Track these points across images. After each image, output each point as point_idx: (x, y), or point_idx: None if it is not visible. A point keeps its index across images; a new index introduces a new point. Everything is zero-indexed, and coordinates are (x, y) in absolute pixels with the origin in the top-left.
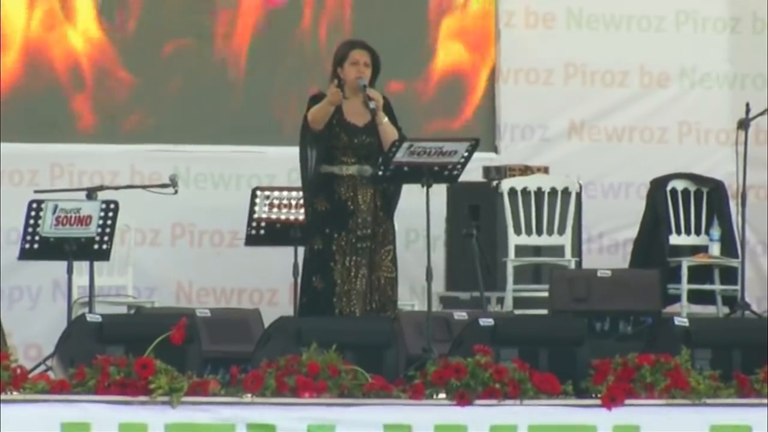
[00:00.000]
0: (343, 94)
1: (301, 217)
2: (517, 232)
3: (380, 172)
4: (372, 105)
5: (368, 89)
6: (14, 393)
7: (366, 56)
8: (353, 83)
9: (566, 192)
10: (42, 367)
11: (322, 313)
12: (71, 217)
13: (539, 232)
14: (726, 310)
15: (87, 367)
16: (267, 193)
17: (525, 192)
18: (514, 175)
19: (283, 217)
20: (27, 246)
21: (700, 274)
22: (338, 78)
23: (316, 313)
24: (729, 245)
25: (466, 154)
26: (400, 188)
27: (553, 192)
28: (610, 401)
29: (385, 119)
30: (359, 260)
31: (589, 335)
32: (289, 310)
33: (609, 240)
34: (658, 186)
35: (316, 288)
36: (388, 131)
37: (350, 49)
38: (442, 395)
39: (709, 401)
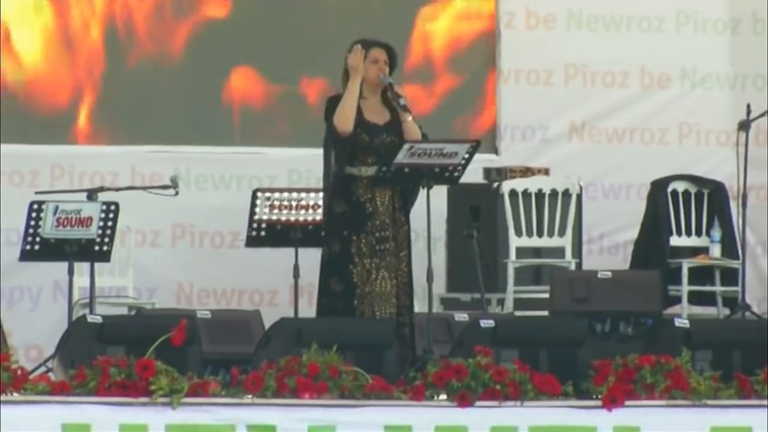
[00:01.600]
0: (362, 93)
1: (302, 219)
2: (518, 233)
3: (381, 173)
4: (403, 102)
5: (396, 86)
6: (15, 394)
7: (384, 54)
8: (374, 81)
9: (567, 193)
10: (42, 369)
11: (341, 316)
12: (72, 218)
13: (540, 234)
14: (726, 311)
15: (87, 368)
16: (267, 194)
17: (525, 193)
18: (514, 177)
19: (283, 218)
20: (28, 247)
21: (700, 275)
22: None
23: (335, 315)
24: (729, 246)
25: (466, 155)
26: (418, 188)
27: (554, 193)
28: (611, 402)
29: (410, 117)
30: (378, 262)
31: (590, 336)
32: (289, 311)
33: (609, 241)
34: (658, 187)
35: (335, 290)
36: (412, 129)
37: (369, 47)
38: (443, 396)
39: (709, 402)
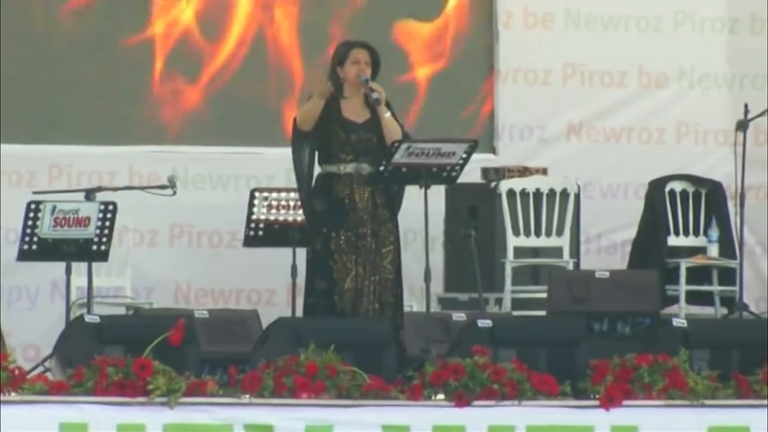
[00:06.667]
0: (343, 93)
1: (300, 218)
2: (516, 233)
3: (379, 173)
4: (375, 95)
5: (371, 82)
6: (12, 394)
7: (366, 55)
8: (354, 82)
9: (564, 193)
10: (40, 368)
11: (325, 314)
12: (70, 218)
13: (538, 233)
14: (724, 310)
15: (85, 367)
16: (265, 194)
17: (523, 193)
18: (512, 176)
19: (281, 218)
20: (25, 247)
21: (698, 275)
22: (337, 78)
23: (320, 314)
24: (727, 246)
25: (464, 155)
26: (403, 187)
27: (552, 193)
28: (609, 402)
29: (388, 114)
30: (357, 258)
31: (588, 336)
32: (287, 311)
33: (607, 241)
34: (656, 187)
35: (318, 288)
36: (390, 126)
37: (350, 48)
38: (441, 396)
39: (707, 402)
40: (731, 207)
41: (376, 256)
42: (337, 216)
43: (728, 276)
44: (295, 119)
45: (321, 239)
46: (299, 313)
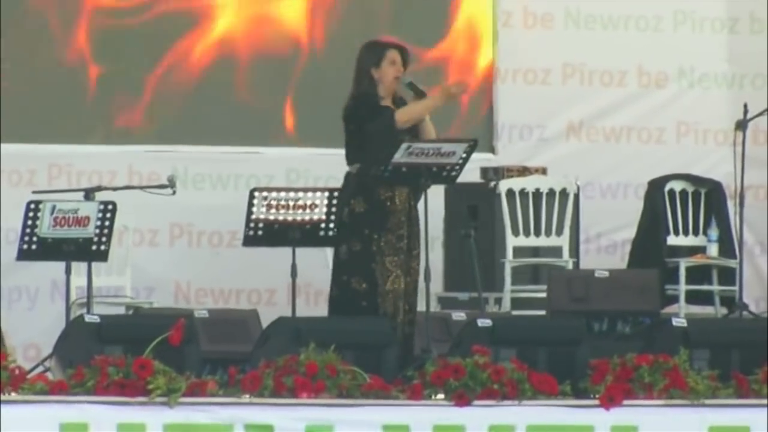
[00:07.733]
0: (380, 94)
1: (299, 218)
2: (515, 233)
3: (379, 173)
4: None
5: (417, 84)
6: (13, 394)
7: (399, 55)
8: (393, 83)
9: (564, 193)
10: (40, 368)
11: (365, 314)
12: (69, 217)
13: (537, 233)
14: (724, 310)
15: (85, 367)
16: (265, 193)
17: (523, 193)
18: (512, 176)
19: (281, 217)
20: (25, 247)
21: (698, 274)
22: (371, 79)
23: (358, 313)
24: (727, 246)
25: (464, 155)
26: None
27: (551, 193)
28: (609, 401)
29: (427, 116)
30: (396, 260)
31: (588, 335)
32: (287, 311)
33: (607, 240)
34: (656, 186)
35: (357, 289)
36: (429, 128)
37: (386, 49)
38: (441, 395)
39: (707, 401)
40: (731, 206)
41: (409, 258)
42: (379, 218)
43: (728, 275)
44: (387, 116)
45: (361, 240)
46: (299, 312)
